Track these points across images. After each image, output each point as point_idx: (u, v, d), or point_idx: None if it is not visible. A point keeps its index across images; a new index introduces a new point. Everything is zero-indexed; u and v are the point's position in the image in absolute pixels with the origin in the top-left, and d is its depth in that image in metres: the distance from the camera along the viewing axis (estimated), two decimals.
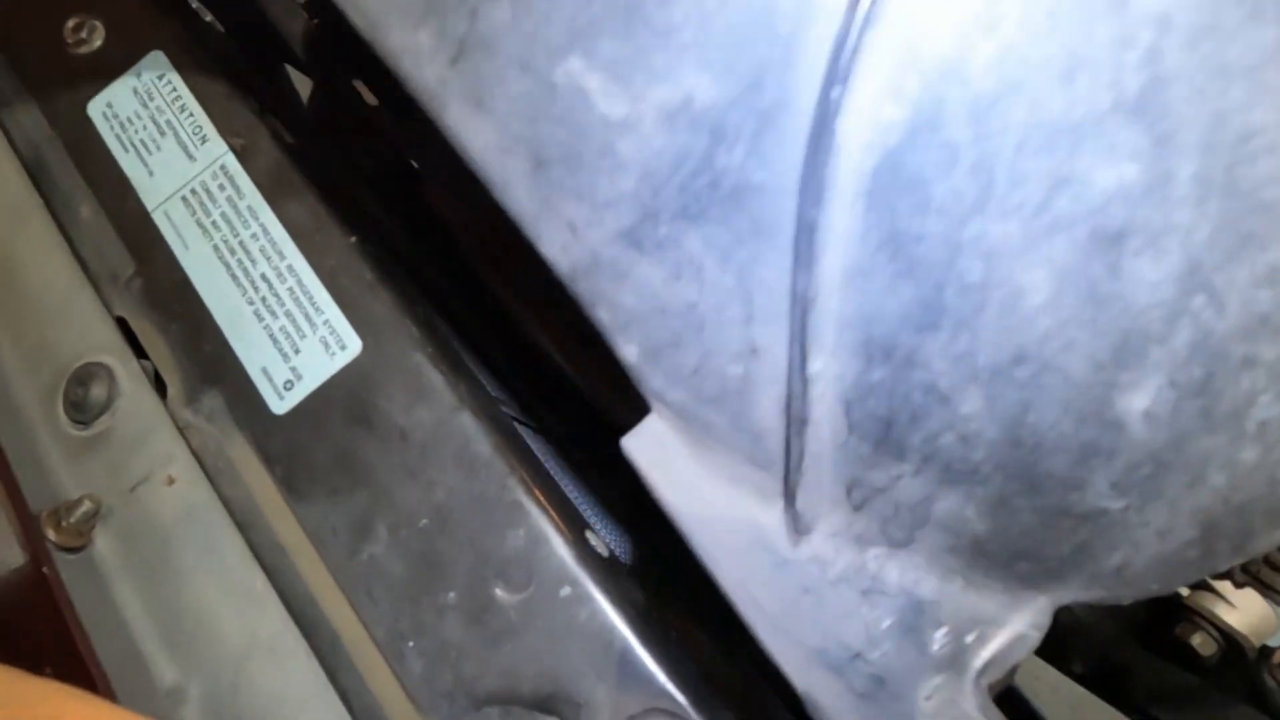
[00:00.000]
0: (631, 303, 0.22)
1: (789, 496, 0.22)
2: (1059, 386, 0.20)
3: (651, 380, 0.23)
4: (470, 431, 0.40)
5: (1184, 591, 0.54)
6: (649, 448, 0.23)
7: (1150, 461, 0.20)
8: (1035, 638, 0.23)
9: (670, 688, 0.36)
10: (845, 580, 0.22)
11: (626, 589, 0.38)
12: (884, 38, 0.19)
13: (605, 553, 0.39)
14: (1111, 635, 0.57)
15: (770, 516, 0.22)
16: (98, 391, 0.43)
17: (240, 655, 0.39)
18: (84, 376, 0.44)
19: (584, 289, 0.22)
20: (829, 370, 0.21)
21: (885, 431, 0.21)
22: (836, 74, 0.19)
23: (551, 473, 0.43)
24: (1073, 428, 0.20)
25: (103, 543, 0.42)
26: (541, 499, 0.39)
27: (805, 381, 0.21)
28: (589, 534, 0.40)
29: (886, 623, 0.22)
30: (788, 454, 0.22)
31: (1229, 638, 0.51)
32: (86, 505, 0.41)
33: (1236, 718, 0.49)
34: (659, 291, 0.22)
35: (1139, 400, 0.19)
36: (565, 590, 0.37)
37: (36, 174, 0.49)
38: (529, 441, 0.44)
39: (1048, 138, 0.18)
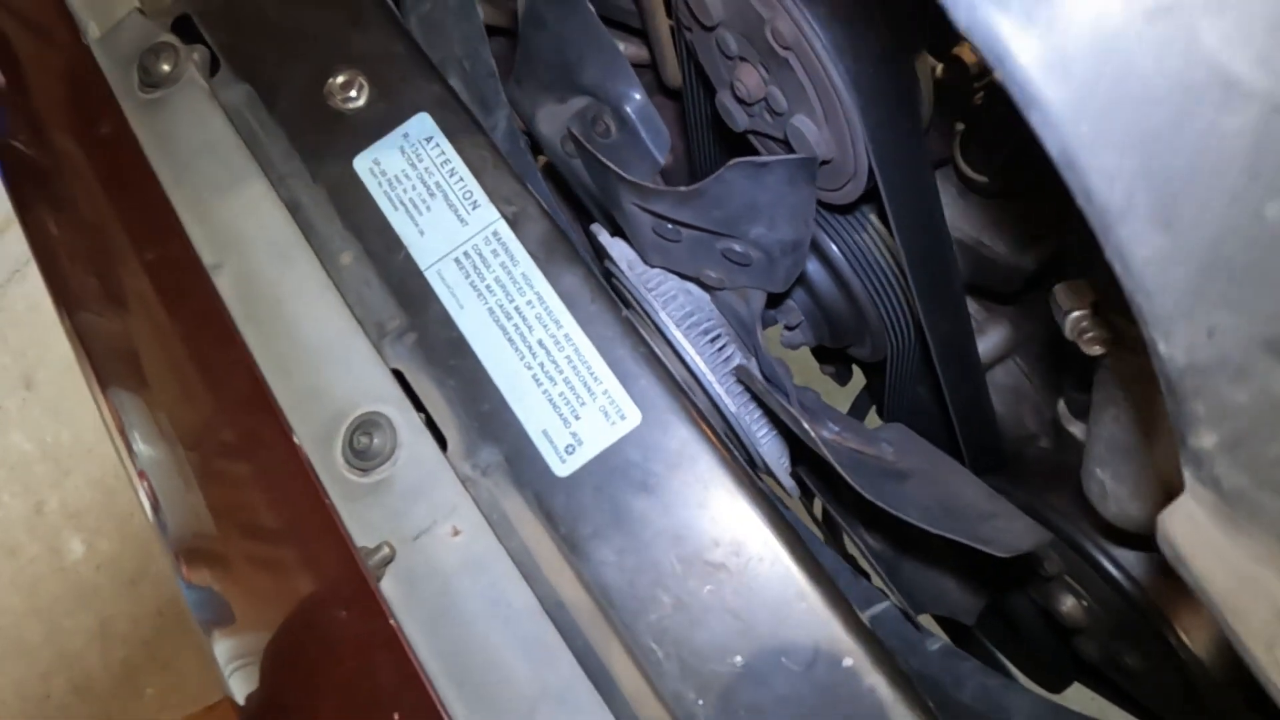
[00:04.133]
0: (1241, 400, 0.24)
1: None
2: None
3: (1216, 465, 0.25)
4: (746, 508, 0.44)
5: None
6: (1184, 525, 0.26)
7: None
8: None
9: None
10: None
11: (896, 663, 0.42)
12: None
13: (869, 628, 0.43)
14: (1231, 705, 0.62)
15: None
16: (380, 441, 0.46)
17: (532, 704, 0.42)
18: (367, 425, 0.46)
19: (1190, 384, 0.24)
20: None
21: None
22: None
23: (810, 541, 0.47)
24: None
25: (387, 587, 0.44)
26: (816, 571, 0.43)
27: None
28: (857, 610, 0.43)
29: None
30: None
31: None
32: (384, 552, 0.43)
33: None
34: (1277, 391, 0.24)
35: None
36: (847, 662, 0.41)
37: (296, 218, 0.51)
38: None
39: None
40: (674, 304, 0.60)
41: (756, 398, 0.58)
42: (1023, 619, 0.75)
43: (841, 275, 0.69)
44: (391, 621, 0.38)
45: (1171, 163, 0.22)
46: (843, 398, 1.01)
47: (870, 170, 0.53)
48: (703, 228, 0.52)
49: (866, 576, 0.74)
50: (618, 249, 0.61)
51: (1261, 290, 0.23)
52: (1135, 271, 0.23)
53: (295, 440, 0.42)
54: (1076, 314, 0.43)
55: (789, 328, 0.75)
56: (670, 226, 0.55)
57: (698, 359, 0.59)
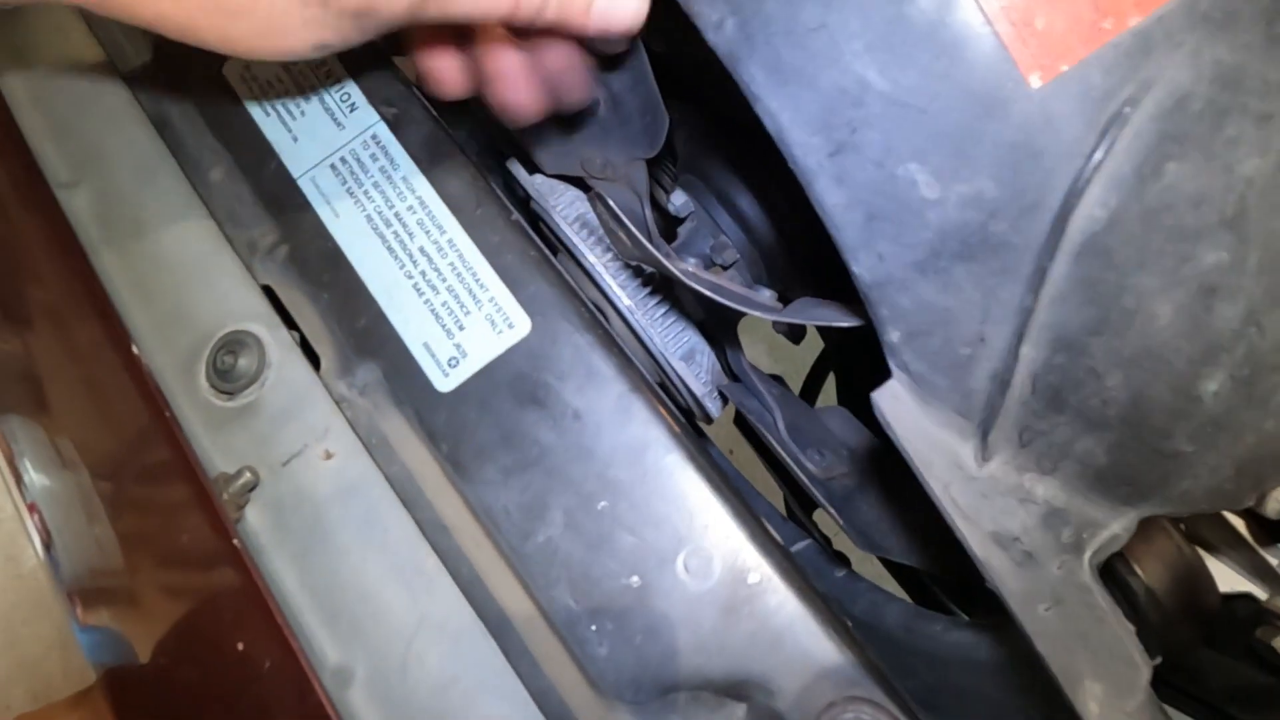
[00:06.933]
0: (906, 305, 0.33)
1: (982, 435, 0.34)
2: (1167, 372, 0.32)
3: (903, 355, 0.34)
4: (645, 415, 0.40)
5: (1263, 595, 0.57)
6: (889, 399, 0.34)
7: (1213, 424, 0.33)
8: (1125, 537, 0.35)
9: (862, 675, 0.36)
10: (1010, 492, 0.34)
11: (808, 579, 0.39)
12: (1104, 175, 0.31)
13: (782, 543, 0.40)
14: (1185, 639, 0.59)
15: (965, 449, 0.35)
16: (246, 361, 0.42)
17: (409, 635, 0.38)
18: (232, 345, 0.42)
19: (877, 295, 0.34)
20: (1029, 354, 0.33)
21: (1055, 394, 0.33)
22: (1075, 191, 0.31)
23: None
24: (1171, 398, 0.32)
25: (253, 516, 0.40)
26: (721, 484, 0.39)
27: (1016, 360, 0.33)
28: (766, 523, 0.40)
29: (1034, 520, 0.34)
30: (987, 408, 0.34)
31: None
32: (246, 477, 0.39)
33: None
34: (928, 299, 0.33)
35: (1211, 385, 0.32)
36: (753, 578, 0.37)
37: (163, 134, 0.47)
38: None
39: (1177, 239, 0.31)
40: (570, 208, 0.55)
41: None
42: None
43: (778, 209, 0.65)
44: (235, 541, 0.34)
45: (840, 137, 0.32)
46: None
47: None
48: None
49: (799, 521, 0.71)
50: (516, 167, 0.56)
51: (901, 228, 0.32)
52: (828, 213, 0.33)
53: (135, 352, 0.38)
54: None
55: (724, 267, 0.71)
56: None
57: (590, 256, 0.52)
